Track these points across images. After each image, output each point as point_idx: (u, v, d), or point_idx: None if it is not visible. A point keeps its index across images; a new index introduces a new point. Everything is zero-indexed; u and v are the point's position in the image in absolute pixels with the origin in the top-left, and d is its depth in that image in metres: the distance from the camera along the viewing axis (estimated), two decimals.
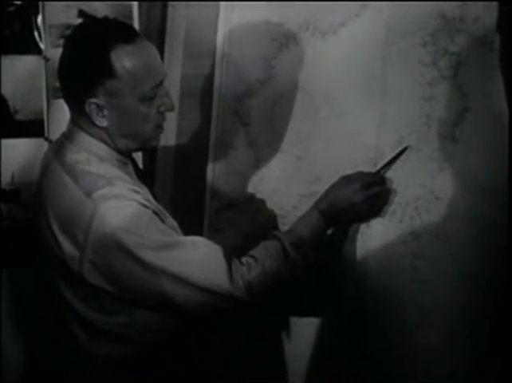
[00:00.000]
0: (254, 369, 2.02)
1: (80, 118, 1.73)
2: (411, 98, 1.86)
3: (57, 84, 1.80)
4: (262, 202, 2.05)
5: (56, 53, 1.83)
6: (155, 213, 1.70)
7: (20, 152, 2.27)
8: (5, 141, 2.25)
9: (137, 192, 1.71)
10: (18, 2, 2.25)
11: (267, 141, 2.04)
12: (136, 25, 2.23)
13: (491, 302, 1.78)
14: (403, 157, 1.86)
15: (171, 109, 1.77)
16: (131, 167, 1.82)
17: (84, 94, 1.69)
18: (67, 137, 1.77)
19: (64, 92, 1.75)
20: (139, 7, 2.25)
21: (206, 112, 2.12)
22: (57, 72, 1.75)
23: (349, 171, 1.85)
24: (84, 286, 1.70)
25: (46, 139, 2.26)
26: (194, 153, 2.14)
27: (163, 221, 1.72)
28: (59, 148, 1.77)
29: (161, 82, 1.73)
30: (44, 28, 2.26)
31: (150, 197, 1.78)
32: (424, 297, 1.83)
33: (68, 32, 2.03)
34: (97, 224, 1.65)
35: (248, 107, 2.06)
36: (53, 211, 1.71)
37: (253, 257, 1.72)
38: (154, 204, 1.74)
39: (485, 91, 1.81)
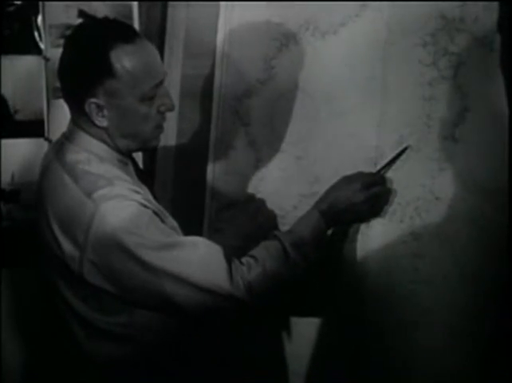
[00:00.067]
0: (254, 369, 2.02)
1: (81, 118, 1.73)
2: (412, 98, 1.86)
3: (57, 85, 1.80)
4: (262, 202, 2.05)
5: (56, 53, 1.83)
6: (156, 213, 1.70)
7: (20, 152, 2.27)
8: (5, 141, 2.25)
9: (137, 192, 1.71)
10: (18, 2, 2.25)
11: (267, 141, 2.04)
12: (136, 25, 2.23)
13: (492, 302, 1.78)
14: (403, 157, 1.85)
15: (172, 109, 1.77)
16: (131, 167, 1.82)
17: (83, 94, 1.69)
18: (67, 137, 1.77)
19: (64, 92, 1.75)
20: (139, 7, 2.25)
21: (206, 112, 2.12)
22: (57, 72, 1.75)
23: (349, 172, 1.85)
24: (84, 286, 1.70)
25: (46, 139, 2.26)
26: (194, 153, 2.14)
27: (163, 221, 1.72)
28: (59, 148, 1.77)
29: (161, 82, 1.73)
30: (44, 28, 2.26)
31: (150, 197, 1.78)
32: (424, 297, 1.83)
33: (68, 32, 2.02)
34: (97, 224, 1.65)
35: (248, 107, 2.06)
36: (53, 211, 1.71)
37: (253, 257, 1.72)
38: (154, 204, 1.74)
39: (485, 91, 1.81)
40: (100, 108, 1.70)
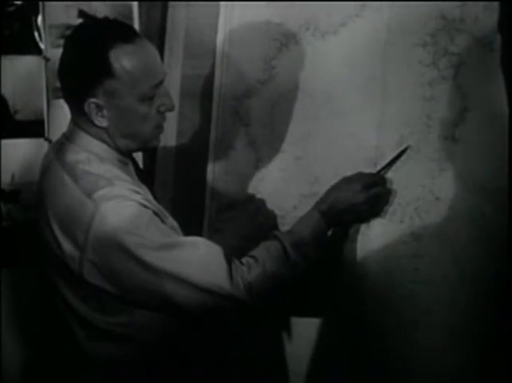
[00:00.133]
0: (254, 369, 2.02)
1: (80, 118, 1.73)
2: (412, 98, 1.86)
3: (57, 85, 1.80)
4: (262, 202, 2.05)
5: (56, 54, 1.83)
6: (156, 213, 1.70)
7: (20, 152, 2.27)
8: (5, 141, 2.25)
9: (137, 192, 1.71)
10: (18, 2, 2.25)
11: (267, 141, 2.04)
12: (136, 25, 2.23)
13: (492, 302, 1.78)
14: (403, 157, 1.86)
15: (171, 109, 1.77)
16: (131, 167, 1.82)
17: (83, 94, 1.69)
18: (67, 137, 1.77)
19: (64, 92, 1.75)
20: (140, 7, 2.25)
21: (206, 113, 2.12)
22: (57, 72, 1.75)
23: (349, 172, 1.85)
24: (84, 286, 1.70)
25: (46, 139, 2.26)
26: (194, 153, 2.14)
27: (163, 221, 1.72)
28: (59, 148, 1.77)
29: (161, 82, 1.73)
30: (44, 28, 2.26)
31: (150, 197, 1.78)
32: (424, 297, 1.83)
33: (68, 32, 2.02)
34: (97, 224, 1.65)
35: (248, 107, 2.06)
36: (53, 211, 1.71)
37: (253, 257, 1.72)
38: (154, 204, 1.74)
39: (485, 91, 1.81)
40: (99, 108, 1.70)
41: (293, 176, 2.00)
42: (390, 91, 1.89)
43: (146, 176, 1.94)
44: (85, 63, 1.69)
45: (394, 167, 1.86)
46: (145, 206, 1.69)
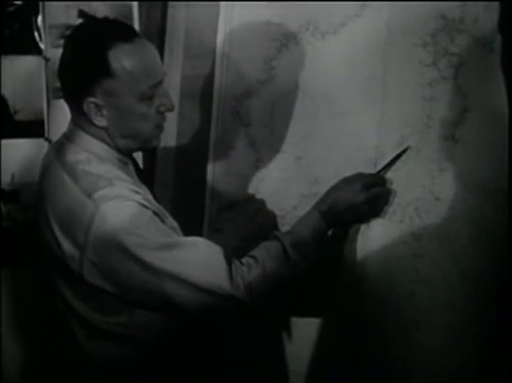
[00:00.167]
0: (254, 369, 2.02)
1: (80, 118, 1.73)
2: (412, 98, 1.86)
3: (57, 85, 1.80)
4: (262, 202, 2.05)
5: (56, 54, 1.83)
6: (156, 213, 1.70)
7: (20, 152, 2.27)
8: (5, 141, 2.25)
9: (137, 193, 1.71)
10: (18, 2, 2.25)
11: (267, 142, 2.04)
12: (136, 25, 2.23)
13: (491, 302, 1.78)
14: (403, 158, 1.86)
15: (171, 109, 1.77)
16: (131, 167, 1.82)
17: (82, 93, 1.69)
18: (67, 137, 1.77)
19: (63, 91, 1.76)
20: (139, 7, 2.25)
21: (206, 113, 2.12)
22: (57, 72, 1.75)
23: (349, 172, 1.85)
24: (84, 287, 1.70)
25: (46, 139, 2.26)
26: (194, 154, 2.14)
27: (163, 221, 1.72)
28: (59, 148, 1.77)
29: (160, 82, 1.73)
30: (44, 28, 2.25)
31: (150, 197, 1.78)
32: (424, 297, 1.83)
33: (68, 32, 2.02)
34: (97, 224, 1.65)
35: (248, 107, 2.06)
36: (53, 211, 1.71)
37: (253, 257, 1.72)
38: (154, 204, 1.74)
39: (485, 91, 1.81)
40: (98, 107, 1.70)
41: (293, 176, 2.00)
42: (390, 91, 1.89)
43: (146, 176, 1.94)
44: (84, 62, 1.69)
45: (394, 168, 1.86)
46: (145, 206, 1.69)
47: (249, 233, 2.03)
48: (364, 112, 1.91)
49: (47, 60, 2.25)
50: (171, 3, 2.17)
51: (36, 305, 2.26)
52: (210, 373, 1.83)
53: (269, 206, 2.03)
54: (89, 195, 1.66)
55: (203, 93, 2.13)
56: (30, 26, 2.26)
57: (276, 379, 2.07)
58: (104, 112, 1.70)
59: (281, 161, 2.02)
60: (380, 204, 1.84)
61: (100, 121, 1.71)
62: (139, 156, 2.07)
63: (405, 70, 1.88)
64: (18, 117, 2.27)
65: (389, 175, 1.86)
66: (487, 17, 1.80)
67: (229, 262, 1.69)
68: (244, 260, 1.72)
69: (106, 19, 1.79)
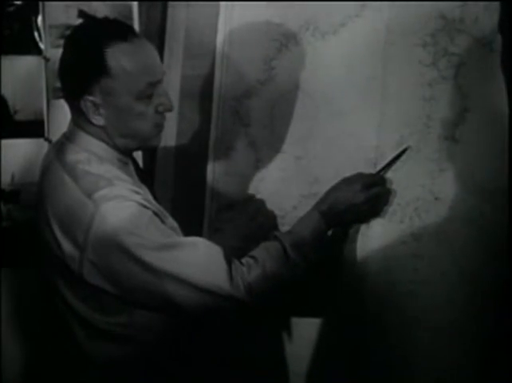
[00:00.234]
0: (254, 370, 2.02)
1: (80, 118, 1.74)
2: (412, 99, 1.86)
3: (57, 85, 1.81)
4: (262, 202, 2.05)
5: (56, 54, 1.83)
6: (155, 214, 1.70)
7: (20, 152, 2.27)
8: (5, 141, 2.25)
9: (137, 193, 1.71)
10: (18, 2, 2.25)
11: (267, 142, 2.04)
12: (136, 25, 2.23)
13: (491, 302, 1.78)
14: (403, 158, 1.86)
15: (170, 109, 1.77)
16: (131, 167, 1.82)
17: (80, 92, 1.70)
18: (68, 137, 1.77)
19: (63, 91, 1.76)
20: (140, 7, 2.25)
21: (206, 113, 2.12)
22: (57, 72, 1.75)
23: (349, 172, 1.85)
24: (84, 287, 1.70)
25: (46, 139, 2.26)
26: (194, 154, 2.14)
27: (163, 221, 1.72)
28: (60, 148, 1.77)
29: (158, 81, 1.73)
30: (44, 28, 2.25)
31: (150, 197, 1.78)
32: (424, 297, 1.83)
33: (68, 32, 2.02)
34: (97, 225, 1.65)
35: (248, 107, 2.06)
36: (53, 211, 1.71)
37: (253, 257, 1.72)
38: (154, 205, 1.74)
39: (485, 91, 1.81)
40: (96, 106, 1.70)
41: (292, 176, 2.00)
42: (390, 91, 1.89)
43: (146, 176, 1.94)
44: (82, 61, 1.69)
45: (394, 168, 1.86)
46: (145, 206, 1.69)
47: (249, 233, 2.04)
48: (364, 112, 1.91)
49: (47, 60, 2.25)
50: (171, 3, 2.17)
51: (36, 305, 2.26)
52: (210, 373, 1.84)
53: (269, 206, 2.03)
54: (89, 195, 1.66)
55: (203, 93, 2.13)
56: (30, 26, 2.26)
57: (276, 379, 2.07)
58: (102, 110, 1.71)
59: (281, 161, 2.02)
60: (379, 204, 1.84)
61: (98, 120, 1.71)
62: (139, 156, 2.07)
63: (405, 70, 1.88)
64: (18, 117, 2.27)
65: (389, 175, 1.86)
66: (487, 17, 1.80)
67: (229, 263, 1.69)
68: (244, 260, 1.72)
69: (105, 19, 1.79)
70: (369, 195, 1.81)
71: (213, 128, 2.10)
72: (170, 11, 2.17)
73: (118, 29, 1.72)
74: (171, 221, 1.78)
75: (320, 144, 1.97)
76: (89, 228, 1.65)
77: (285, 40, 2.01)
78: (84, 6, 2.24)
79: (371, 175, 1.85)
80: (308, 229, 1.77)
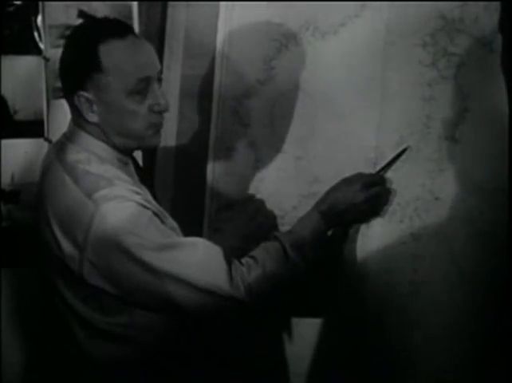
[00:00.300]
0: (254, 370, 2.02)
1: (79, 117, 1.74)
2: (411, 99, 1.86)
3: (57, 85, 1.81)
4: (262, 202, 2.05)
5: (56, 54, 1.83)
6: (155, 214, 1.70)
7: (20, 152, 2.27)
8: (5, 141, 2.25)
9: (137, 193, 1.71)
10: (18, 2, 2.25)
11: (267, 142, 2.04)
12: (136, 25, 2.23)
13: (491, 302, 1.78)
14: (402, 158, 1.86)
15: (165, 109, 1.76)
16: (131, 167, 1.82)
17: (74, 87, 1.71)
18: (68, 137, 1.77)
19: (63, 90, 1.77)
20: (139, 7, 2.25)
21: (205, 113, 2.12)
22: (57, 71, 1.76)
23: (349, 172, 1.85)
24: (84, 287, 1.70)
25: (46, 139, 2.26)
26: (194, 154, 2.14)
27: (163, 222, 1.72)
28: (60, 148, 1.77)
29: (149, 78, 1.71)
30: (44, 28, 2.25)
31: (150, 198, 1.78)
32: (424, 297, 1.83)
33: (68, 32, 2.02)
34: (97, 225, 1.65)
35: (248, 107, 2.06)
36: (53, 211, 1.71)
37: (253, 258, 1.72)
38: (154, 205, 1.74)
39: (485, 91, 1.81)
40: (90, 102, 1.71)
41: (292, 176, 2.00)
42: (390, 91, 1.89)
43: (146, 176, 1.94)
44: (77, 57, 1.71)
45: (394, 167, 1.86)
46: (145, 206, 1.68)
47: (249, 233, 2.04)
48: (363, 112, 1.91)
49: (47, 60, 2.25)
50: (170, 3, 2.17)
51: (36, 305, 2.26)
52: (210, 373, 1.83)
53: (269, 206, 2.03)
54: (89, 196, 1.66)
55: (203, 93, 2.12)
56: (30, 26, 2.26)
57: (276, 379, 2.07)
58: (95, 107, 1.71)
59: (280, 161, 2.02)
60: (379, 204, 1.84)
61: (92, 117, 1.72)
62: (139, 156, 2.06)
63: (405, 70, 1.88)
64: (18, 117, 2.27)
65: (389, 174, 1.86)
66: (487, 17, 1.80)
67: (228, 263, 1.69)
68: (244, 260, 1.72)
69: (104, 18, 1.81)
70: (369, 194, 1.81)
71: (213, 127, 2.10)
72: (170, 11, 2.17)
73: (114, 27, 1.73)
74: (170, 221, 1.78)
75: (320, 144, 1.97)
76: (89, 228, 1.65)
77: (285, 40, 2.01)
78: (84, 6, 2.24)
79: (371, 175, 1.85)
80: (308, 229, 1.77)
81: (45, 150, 1.97)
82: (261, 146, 2.04)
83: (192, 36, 2.14)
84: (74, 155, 1.74)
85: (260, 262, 1.71)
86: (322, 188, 1.85)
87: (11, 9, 2.25)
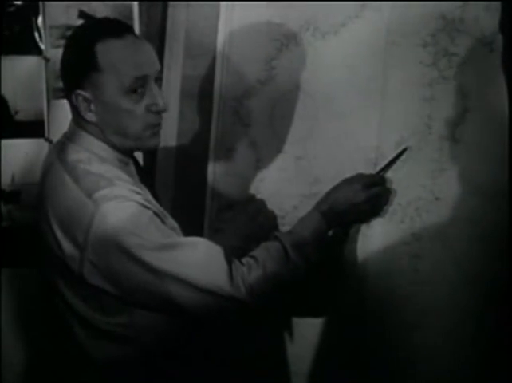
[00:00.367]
0: (255, 370, 2.02)
1: (78, 116, 1.74)
2: (412, 99, 1.86)
3: (58, 85, 1.80)
4: (262, 202, 2.05)
5: (56, 54, 1.84)
6: (156, 214, 1.70)
7: (20, 152, 2.27)
8: (5, 142, 2.25)
9: (138, 193, 1.70)
10: (19, 3, 2.25)
11: (267, 142, 2.04)
12: (137, 25, 2.23)
13: (492, 303, 1.78)
14: (403, 158, 1.86)
15: (163, 110, 1.75)
16: (132, 167, 1.82)
17: (72, 86, 1.71)
18: (68, 137, 1.77)
19: (63, 89, 1.77)
20: (140, 7, 2.25)
21: (206, 113, 2.12)
22: (58, 72, 1.77)
23: (349, 172, 1.85)
24: (84, 287, 1.70)
25: (47, 139, 2.26)
26: (194, 154, 2.14)
27: (163, 222, 1.72)
28: (61, 148, 1.77)
29: (146, 76, 1.71)
30: (44, 28, 2.25)
31: (150, 198, 1.78)
32: (424, 298, 1.83)
33: (68, 33, 2.03)
34: (97, 224, 1.65)
35: (248, 108, 2.06)
36: (53, 211, 1.71)
37: (253, 258, 1.72)
38: (154, 205, 1.74)
39: (485, 91, 1.81)
40: (87, 101, 1.71)
41: (293, 177, 2.00)
42: (390, 91, 1.89)
43: (147, 177, 1.94)
44: (75, 57, 1.72)
45: (394, 167, 1.86)
46: (145, 206, 1.68)
47: (249, 233, 2.03)
48: (364, 113, 1.91)
49: (47, 60, 2.25)
50: (171, 3, 2.17)
51: (36, 305, 2.26)
52: (211, 373, 1.83)
53: (270, 206, 2.03)
54: (89, 195, 1.66)
55: (204, 93, 2.13)
56: (30, 27, 2.26)
57: (276, 379, 2.07)
58: (93, 106, 1.71)
59: (281, 161, 2.02)
60: (380, 204, 1.84)
61: (90, 117, 1.72)
62: (139, 156, 2.07)
63: (405, 70, 1.88)
64: (19, 117, 2.27)
65: (390, 174, 1.86)
66: (488, 17, 1.80)
67: (229, 263, 1.68)
68: (244, 260, 1.71)
69: (104, 18, 1.82)
70: (370, 194, 1.80)
71: (213, 128, 2.10)
72: (170, 11, 2.17)
73: (112, 27, 1.73)
74: (171, 221, 1.78)
75: (320, 144, 1.97)
76: (89, 228, 1.65)
77: (286, 40, 2.01)
78: (85, 7, 2.24)
79: (371, 175, 1.85)
80: (308, 229, 1.77)
81: (46, 150, 1.98)
82: (261, 146, 2.04)
83: (192, 36, 2.14)
84: (75, 154, 1.74)
85: (261, 262, 1.70)
86: (323, 188, 1.85)
87: (12, 9, 2.25)
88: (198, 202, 2.10)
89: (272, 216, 2.03)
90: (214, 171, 2.10)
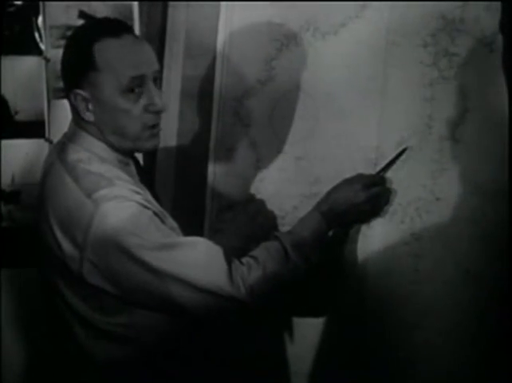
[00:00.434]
0: (255, 370, 2.02)
1: (79, 117, 1.74)
2: (412, 99, 1.86)
3: (58, 85, 1.80)
4: (263, 203, 2.05)
5: (56, 54, 1.84)
6: (156, 214, 1.70)
7: (20, 153, 2.26)
8: (5, 142, 2.25)
9: (137, 193, 1.70)
10: (19, 3, 2.25)
11: (267, 142, 2.04)
12: (137, 25, 2.23)
13: (493, 303, 1.78)
14: (403, 158, 1.86)
15: (161, 110, 1.74)
16: (132, 167, 1.81)
17: (70, 85, 1.72)
18: (69, 138, 1.77)
19: (64, 89, 1.78)
20: (140, 8, 2.25)
21: (206, 113, 2.12)
22: (59, 72, 1.77)
23: (350, 172, 1.85)
24: (84, 287, 1.70)
25: (47, 140, 2.26)
26: (194, 154, 2.14)
27: (163, 222, 1.72)
28: (61, 148, 1.77)
29: (143, 76, 1.70)
30: (44, 29, 2.25)
31: (150, 198, 1.78)
32: (425, 298, 1.83)
33: (68, 33, 2.03)
34: (97, 224, 1.65)
35: (248, 108, 2.06)
36: (53, 210, 1.71)
37: (253, 258, 1.72)
38: (154, 205, 1.74)
39: (486, 92, 1.81)
40: (86, 101, 1.71)
41: (293, 177, 2.00)
42: (390, 91, 1.89)
43: (147, 177, 1.94)
44: (73, 56, 1.72)
45: (395, 167, 1.86)
46: (145, 206, 1.68)
47: (249, 233, 2.04)
48: (364, 113, 1.91)
49: (47, 60, 2.25)
50: (171, 3, 2.17)
51: (36, 305, 2.25)
52: (211, 373, 1.83)
53: (270, 206, 2.03)
54: (89, 195, 1.66)
55: (204, 94, 2.13)
56: (31, 27, 2.26)
57: (277, 379, 2.07)
58: (91, 106, 1.71)
59: (281, 162, 2.02)
60: (380, 204, 1.85)
61: (89, 116, 1.72)
62: (139, 157, 2.06)
63: (406, 70, 1.88)
64: (19, 118, 2.27)
65: (390, 174, 1.86)
66: (488, 17, 1.80)
67: (229, 263, 1.68)
68: (244, 260, 1.71)
69: (104, 18, 1.82)
70: (370, 194, 1.81)
71: (213, 128, 2.10)
72: (170, 11, 2.17)
73: (111, 27, 1.73)
74: (171, 221, 1.78)
75: (320, 144, 1.97)
76: (89, 228, 1.65)
77: (286, 40, 2.01)
78: (85, 7, 2.24)
79: (371, 175, 1.85)
80: (309, 229, 1.77)
81: (46, 151, 1.97)
82: (261, 146, 2.04)
83: (193, 36, 2.14)
84: (75, 154, 1.74)
85: (261, 262, 1.70)
86: (323, 189, 1.85)
87: (12, 9, 2.25)
88: (198, 202, 2.10)
89: (272, 216, 2.03)
90: (214, 171, 2.10)
